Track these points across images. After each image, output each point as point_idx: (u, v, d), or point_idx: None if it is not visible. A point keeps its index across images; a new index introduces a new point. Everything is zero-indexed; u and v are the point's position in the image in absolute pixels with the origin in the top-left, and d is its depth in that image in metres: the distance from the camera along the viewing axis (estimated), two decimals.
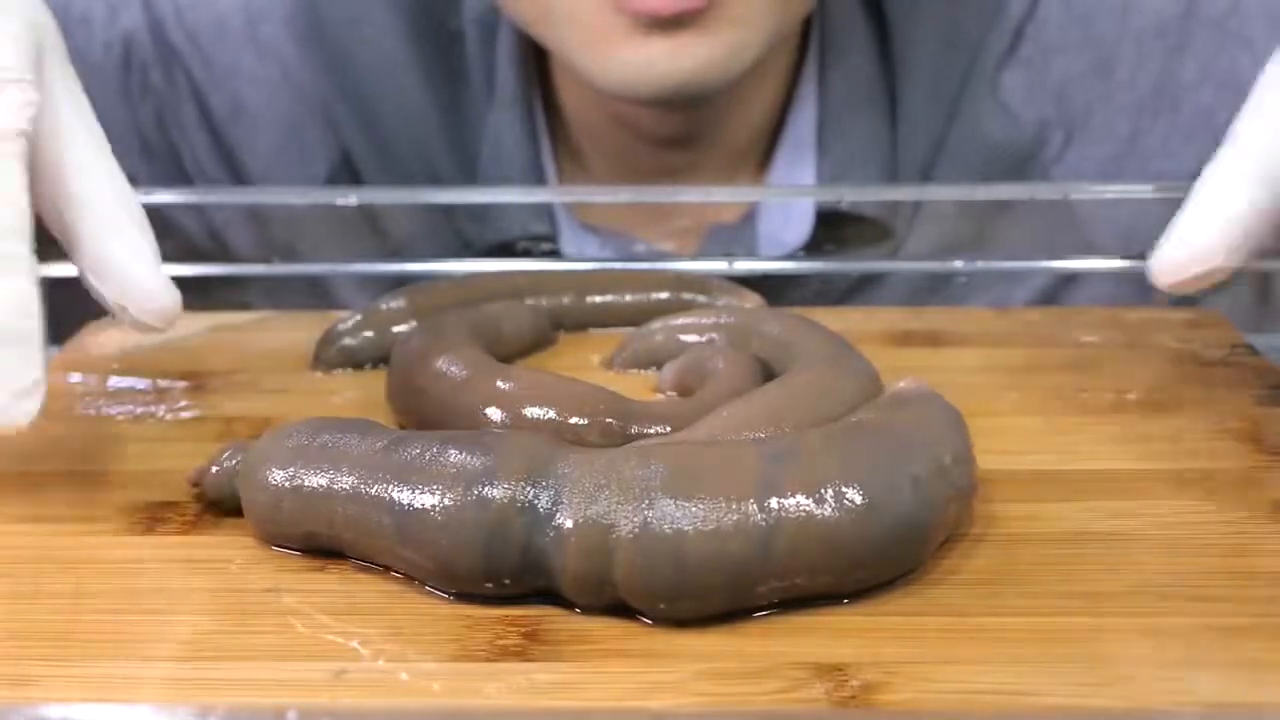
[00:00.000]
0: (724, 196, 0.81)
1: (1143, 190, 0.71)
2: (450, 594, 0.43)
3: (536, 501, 0.42)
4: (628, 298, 0.65)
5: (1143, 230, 0.75)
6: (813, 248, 0.80)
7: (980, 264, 0.74)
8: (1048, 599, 0.43)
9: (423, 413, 0.54)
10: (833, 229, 0.80)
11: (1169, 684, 0.39)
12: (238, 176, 0.83)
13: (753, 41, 0.73)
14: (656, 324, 0.61)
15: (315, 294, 0.80)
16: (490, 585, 0.43)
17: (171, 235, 0.81)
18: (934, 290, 0.80)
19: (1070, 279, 0.80)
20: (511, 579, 0.42)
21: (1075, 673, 0.39)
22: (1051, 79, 0.81)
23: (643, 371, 0.60)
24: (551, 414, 0.51)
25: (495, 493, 0.42)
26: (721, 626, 0.41)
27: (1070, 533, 0.47)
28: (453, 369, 0.54)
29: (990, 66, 0.81)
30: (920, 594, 0.43)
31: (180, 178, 0.84)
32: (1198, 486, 0.49)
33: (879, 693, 0.38)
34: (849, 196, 0.77)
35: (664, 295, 0.65)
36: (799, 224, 0.80)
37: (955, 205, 0.79)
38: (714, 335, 0.59)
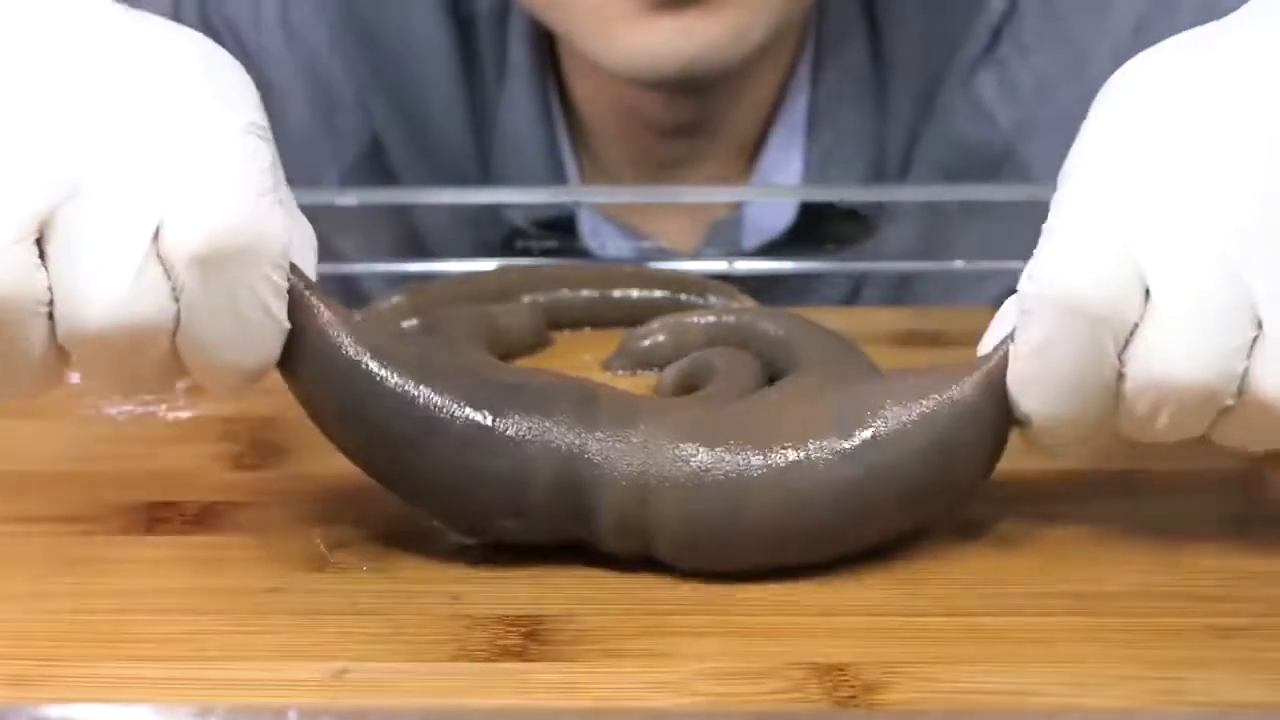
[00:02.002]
0: (724, 196, 0.82)
1: None
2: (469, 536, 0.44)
3: (587, 438, 0.43)
4: (627, 295, 0.66)
5: None
6: (796, 236, 0.80)
7: (981, 264, 0.74)
8: (1048, 599, 0.43)
9: None
10: (816, 218, 0.80)
11: (1169, 684, 0.39)
12: None
13: (758, 24, 0.73)
14: (655, 324, 0.61)
15: (336, 286, 0.81)
16: (510, 523, 0.43)
17: None
18: (914, 279, 0.81)
19: None
20: (546, 517, 0.43)
21: (1075, 673, 0.39)
22: (1028, 78, 0.81)
23: (641, 373, 0.60)
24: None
25: (549, 430, 0.43)
26: (722, 626, 0.41)
27: (1070, 533, 0.47)
28: None
29: (966, 66, 0.81)
30: (920, 594, 0.43)
31: None
32: (1198, 486, 0.49)
33: (879, 693, 0.38)
34: (845, 196, 0.78)
35: (663, 295, 0.66)
36: (783, 213, 0.81)
37: (928, 201, 0.79)
38: (714, 335, 0.59)
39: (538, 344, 0.63)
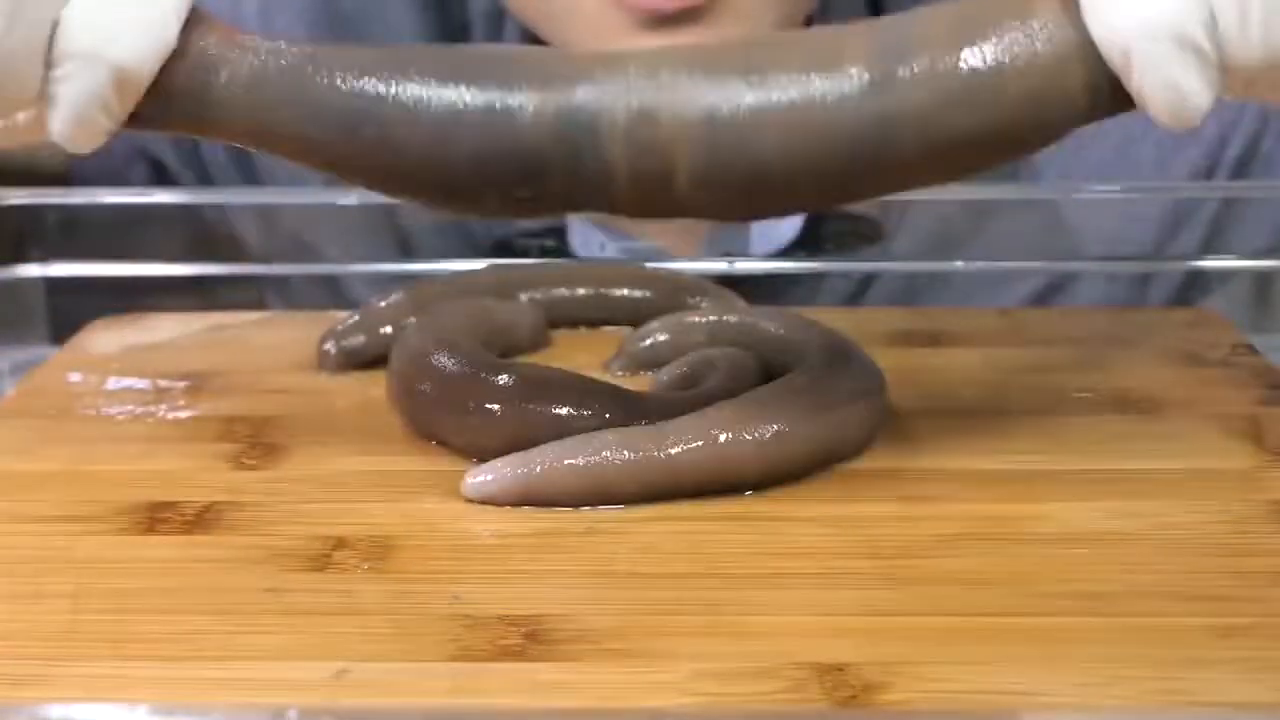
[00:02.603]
0: None
1: (1127, 191, 0.72)
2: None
3: (573, 88, 0.41)
4: (624, 294, 0.66)
5: (1129, 238, 0.75)
6: (804, 244, 0.80)
7: (980, 264, 0.74)
8: (1048, 599, 0.43)
9: (424, 411, 0.54)
10: (824, 225, 0.80)
11: (1169, 684, 0.39)
12: (250, 168, 0.83)
13: None
14: (655, 324, 0.61)
15: (325, 290, 0.80)
16: (521, 194, 0.43)
17: (187, 225, 0.81)
18: (921, 290, 0.80)
19: (1060, 286, 0.80)
20: (551, 180, 0.42)
21: (1075, 673, 0.39)
22: None
23: (641, 373, 0.60)
24: (555, 408, 0.51)
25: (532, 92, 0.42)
26: (722, 626, 0.41)
27: (1070, 533, 0.47)
28: (453, 366, 0.54)
29: None
30: (920, 594, 0.43)
31: (198, 165, 0.83)
32: (1198, 486, 0.49)
33: (879, 693, 0.38)
34: None
35: (662, 295, 0.66)
36: (789, 224, 0.80)
37: (936, 214, 0.79)
38: (715, 335, 0.59)
39: (537, 343, 0.63)
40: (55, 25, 0.43)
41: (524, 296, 0.65)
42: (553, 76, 0.43)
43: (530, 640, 0.41)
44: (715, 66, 0.41)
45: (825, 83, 0.40)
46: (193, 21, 0.45)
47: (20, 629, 0.42)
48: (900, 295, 0.81)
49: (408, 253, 0.80)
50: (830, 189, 0.41)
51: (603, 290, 0.66)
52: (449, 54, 0.44)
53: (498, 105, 0.42)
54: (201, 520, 0.48)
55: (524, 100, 0.42)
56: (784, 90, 0.40)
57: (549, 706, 0.38)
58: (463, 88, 0.43)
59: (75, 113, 0.44)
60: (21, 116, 0.46)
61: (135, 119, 0.46)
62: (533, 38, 0.80)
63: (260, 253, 0.81)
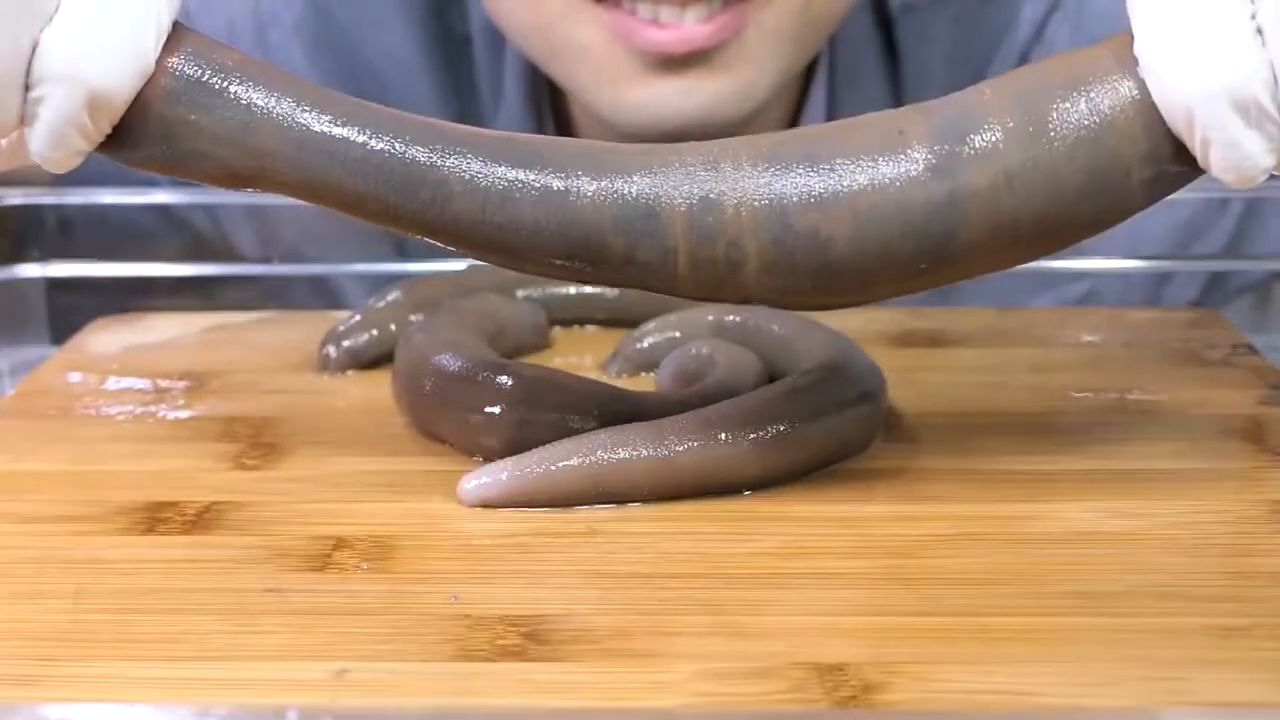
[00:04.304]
0: None
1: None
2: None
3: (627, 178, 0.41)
4: (624, 293, 0.65)
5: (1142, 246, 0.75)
6: None
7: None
8: (1048, 599, 0.43)
9: (426, 410, 0.54)
10: None
11: (1169, 684, 0.39)
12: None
13: (764, 81, 0.72)
14: (652, 324, 0.61)
15: (320, 293, 0.80)
16: (564, 263, 0.41)
17: (180, 231, 0.81)
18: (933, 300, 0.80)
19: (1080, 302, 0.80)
20: (604, 258, 0.41)
21: (1075, 673, 0.39)
22: None
23: (640, 374, 0.60)
24: (555, 409, 0.51)
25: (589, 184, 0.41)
26: (722, 626, 0.41)
27: (1070, 533, 0.47)
28: (456, 366, 0.54)
29: None
30: (920, 594, 0.43)
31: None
32: (1198, 486, 0.49)
33: (879, 693, 0.38)
34: None
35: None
36: None
37: None
38: (716, 334, 0.59)
39: (537, 343, 0.63)
40: (35, 47, 0.43)
41: (523, 295, 0.65)
42: (610, 165, 0.42)
43: (530, 640, 0.41)
44: (776, 156, 0.41)
45: (890, 166, 0.40)
46: (178, 43, 0.45)
47: (20, 629, 0.42)
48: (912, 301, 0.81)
49: (404, 253, 0.80)
50: (902, 274, 0.41)
51: (603, 290, 0.66)
52: (502, 137, 0.44)
53: (555, 186, 0.42)
54: (201, 520, 0.48)
55: (582, 185, 0.41)
56: (851, 175, 0.40)
57: (549, 706, 0.38)
58: (520, 169, 0.42)
59: (51, 133, 0.44)
60: (4, 142, 0.46)
61: (115, 142, 0.45)
62: (533, 69, 0.80)
63: (255, 256, 0.81)
